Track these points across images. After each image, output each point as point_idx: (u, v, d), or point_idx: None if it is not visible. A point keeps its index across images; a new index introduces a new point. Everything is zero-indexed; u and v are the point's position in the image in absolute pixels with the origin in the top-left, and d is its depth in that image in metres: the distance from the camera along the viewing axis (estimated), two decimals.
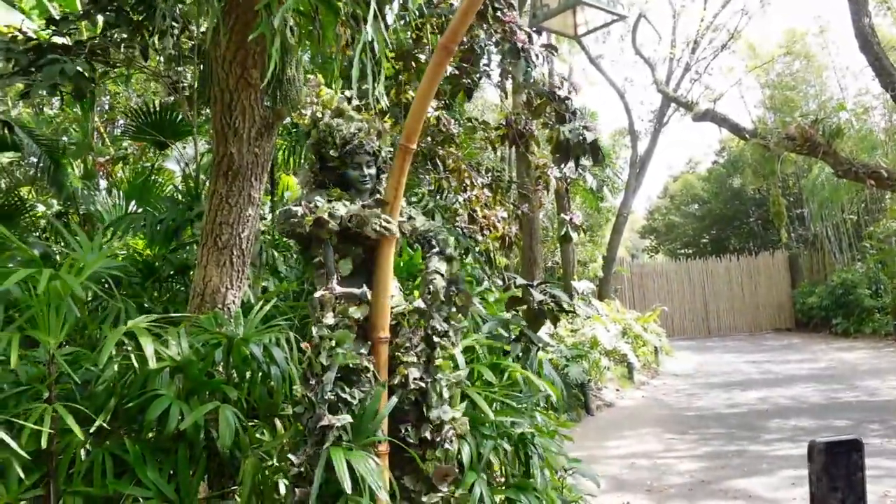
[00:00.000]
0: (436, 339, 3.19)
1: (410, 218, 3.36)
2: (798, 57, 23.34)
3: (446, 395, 3.20)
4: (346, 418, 2.85)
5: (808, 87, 23.56)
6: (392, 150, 3.36)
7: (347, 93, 3.37)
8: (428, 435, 3.10)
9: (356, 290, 3.04)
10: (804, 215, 23.83)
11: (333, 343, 2.92)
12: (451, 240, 3.40)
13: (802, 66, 23.51)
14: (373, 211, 3.11)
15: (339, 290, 3.03)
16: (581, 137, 6.69)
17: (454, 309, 3.27)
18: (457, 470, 3.19)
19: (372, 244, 3.18)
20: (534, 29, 6.14)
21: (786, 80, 23.62)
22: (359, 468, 2.69)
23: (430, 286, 3.24)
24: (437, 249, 3.37)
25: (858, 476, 1.61)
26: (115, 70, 6.80)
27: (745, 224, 28.46)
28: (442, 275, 3.29)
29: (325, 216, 3.02)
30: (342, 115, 3.26)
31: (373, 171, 3.27)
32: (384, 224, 3.08)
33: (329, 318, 2.97)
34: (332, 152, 3.20)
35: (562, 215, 12.08)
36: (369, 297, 3.11)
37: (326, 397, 2.86)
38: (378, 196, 3.24)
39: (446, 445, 3.12)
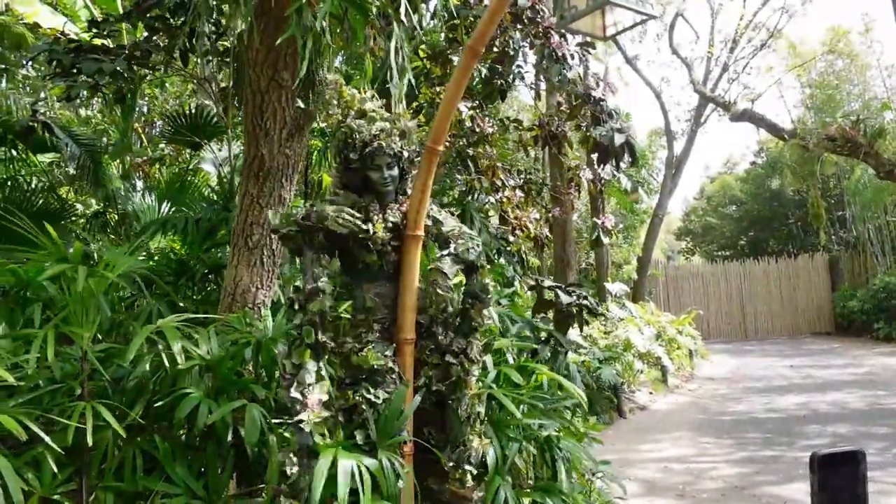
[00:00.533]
0: (449, 358, 3.11)
1: (436, 221, 3.27)
2: (841, 55, 22.77)
3: (467, 414, 3.13)
4: (325, 413, 2.82)
5: (850, 86, 22.99)
6: (418, 149, 3.33)
7: (369, 92, 3.33)
8: (450, 455, 3.07)
9: (319, 284, 2.97)
10: (845, 217, 23.28)
11: (301, 341, 2.90)
12: (478, 247, 3.26)
13: (845, 65, 22.94)
14: (339, 208, 3.07)
15: (308, 286, 2.99)
16: (619, 139, 6.64)
17: (474, 323, 3.19)
18: (476, 494, 3.14)
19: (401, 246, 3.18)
20: (561, 30, 6.12)
21: (828, 79, 23.08)
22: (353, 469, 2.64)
23: (440, 301, 3.13)
24: (450, 251, 3.24)
25: (861, 489, 1.55)
26: (154, 73, 6.93)
27: (783, 226, 27.90)
28: (448, 277, 3.16)
29: (300, 218, 3.05)
30: (364, 116, 3.21)
31: (395, 172, 3.20)
32: (344, 220, 3.03)
33: (298, 318, 2.95)
34: (352, 155, 3.15)
35: (594, 219, 12.00)
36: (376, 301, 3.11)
37: (293, 395, 2.81)
38: (402, 197, 3.22)
39: (466, 467, 3.08)
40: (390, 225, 3.13)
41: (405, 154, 3.24)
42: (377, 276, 3.17)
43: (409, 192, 3.27)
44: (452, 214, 3.50)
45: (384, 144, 3.15)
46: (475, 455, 3.13)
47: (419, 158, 3.28)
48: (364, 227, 3.08)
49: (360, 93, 3.30)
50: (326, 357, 2.97)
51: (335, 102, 3.25)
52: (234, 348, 3.54)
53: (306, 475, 2.71)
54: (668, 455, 7.20)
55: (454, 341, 3.14)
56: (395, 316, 3.15)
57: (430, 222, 3.28)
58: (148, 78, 7.15)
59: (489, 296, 3.27)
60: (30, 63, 8.52)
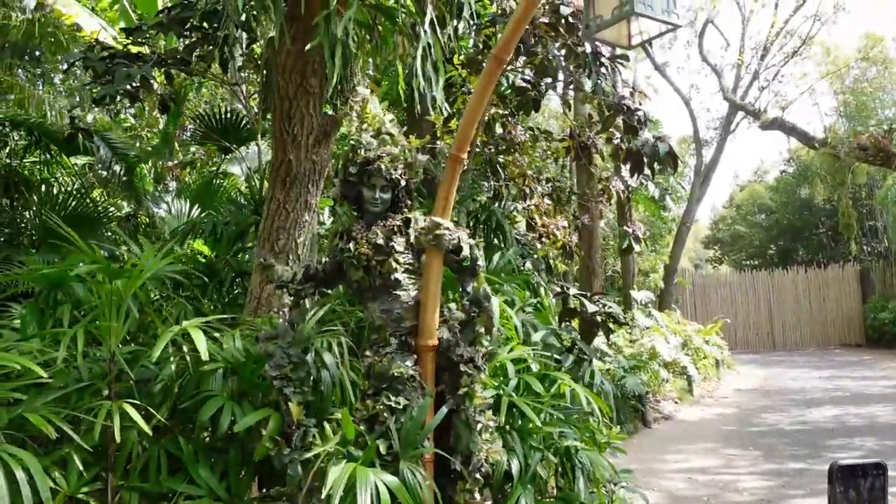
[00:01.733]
0: (462, 367, 3.11)
1: (431, 229, 3.21)
2: (875, 62, 22.35)
3: (476, 424, 3.11)
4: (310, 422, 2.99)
5: (884, 93, 22.54)
6: (418, 182, 3.46)
7: (390, 115, 3.46)
8: (458, 467, 3.04)
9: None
10: (877, 227, 22.82)
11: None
12: (472, 249, 3.24)
13: (879, 72, 22.51)
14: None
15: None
16: (655, 148, 6.58)
17: (482, 330, 3.20)
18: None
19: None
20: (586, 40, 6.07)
21: (861, 86, 22.66)
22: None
23: (451, 317, 3.21)
24: (468, 268, 3.24)
25: (881, 502, 1.51)
26: (192, 79, 7.01)
27: (813, 235, 27.45)
28: (478, 303, 3.22)
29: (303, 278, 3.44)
30: (378, 136, 3.31)
31: (387, 195, 3.30)
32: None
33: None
34: (352, 168, 3.27)
35: (624, 227, 11.91)
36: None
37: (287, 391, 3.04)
38: (393, 219, 3.30)
39: (477, 476, 3.06)
40: (376, 243, 3.21)
41: (402, 182, 3.31)
42: (378, 293, 3.22)
43: (404, 213, 3.35)
44: (457, 223, 3.51)
45: (383, 167, 3.23)
46: (485, 464, 3.10)
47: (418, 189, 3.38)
48: (347, 247, 3.23)
49: (383, 113, 3.40)
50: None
51: (356, 115, 3.33)
52: (259, 351, 3.55)
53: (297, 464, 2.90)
54: (693, 466, 7.10)
55: (462, 348, 3.14)
56: (412, 326, 3.16)
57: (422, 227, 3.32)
58: (185, 83, 7.24)
59: (491, 303, 3.26)
60: (66, 67, 8.69)
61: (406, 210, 3.37)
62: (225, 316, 3.83)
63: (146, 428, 2.85)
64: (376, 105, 3.49)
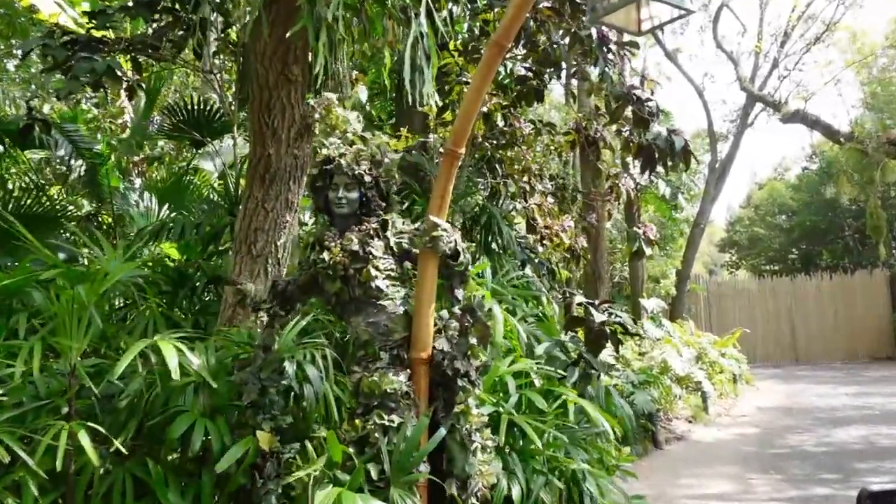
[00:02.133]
0: (459, 382, 3.11)
1: (428, 230, 3.18)
2: None
3: (471, 444, 3.10)
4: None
5: None
6: (390, 179, 3.45)
7: (355, 113, 3.52)
8: (454, 492, 3.04)
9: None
10: None
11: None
12: (464, 248, 3.24)
13: None
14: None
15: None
16: (669, 142, 6.57)
17: (473, 341, 3.19)
18: None
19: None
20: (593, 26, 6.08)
21: (890, 75, 22.80)
22: None
23: (449, 328, 3.19)
24: (459, 273, 3.25)
25: None
26: (160, 65, 6.96)
27: (839, 238, 27.56)
28: (472, 310, 3.22)
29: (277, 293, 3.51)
30: (343, 137, 3.37)
31: (353, 195, 3.31)
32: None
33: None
34: (315, 171, 3.34)
35: (634, 228, 11.89)
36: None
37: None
38: (367, 222, 3.30)
39: (474, 502, 3.05)
40: (351, 250, 3.21)
41: (368, 179, 3.32)
42: (361, 306, 3.23)
43: (380, 216, 3.36)
44: (452, 225, 3.51)
45: (344, 163, 3.27)
46: (483, 489, 3.09)
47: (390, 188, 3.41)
48: (321, 257, 3.24)
49: (347, 111, 3.48)
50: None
51: (322, 121, 3.39)
52: (235, 363, 3.54)
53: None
54: (709, 492, 7.10)
55: (456, 361, 3.12)
56: (403, 337, 3.16)
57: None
58: (153, 69, 7.21)
59: (485, 311, 3.27)
60: (24, 55, 8.64)
61: (381, 212, 3.39)
62: (191, 334, 3.80)
63: (93, 456, 2.81)
64: (363, 93, 3.53)
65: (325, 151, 3.31)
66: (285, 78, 4.38)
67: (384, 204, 3.41)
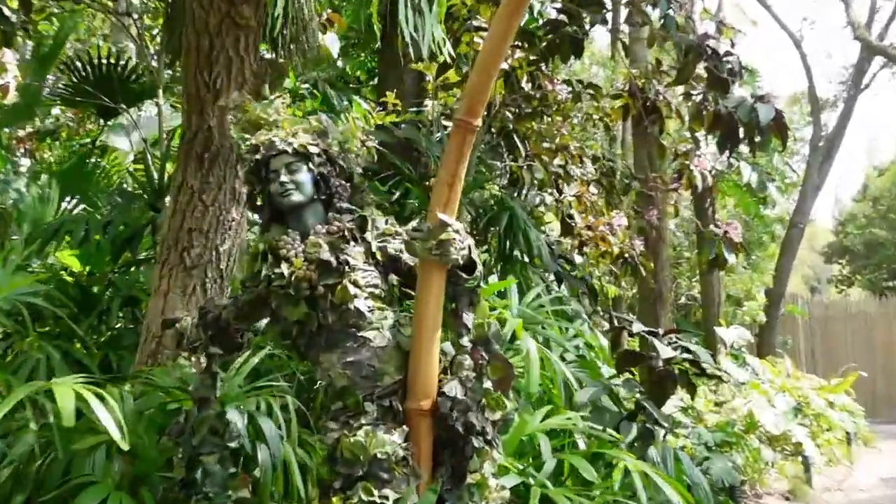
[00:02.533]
0: (475, 441, 3.06)
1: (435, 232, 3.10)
2: None
3: None
4: None
5: None
6: (348, 154, 3.48)
7: (274, 95, 3.66)
8: None
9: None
10: None
11: None
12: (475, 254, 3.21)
13: None
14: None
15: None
16: (755, 112, 6.55)
17: (488, 385, 3.13)
18: None
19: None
20: None
21: None
22: None
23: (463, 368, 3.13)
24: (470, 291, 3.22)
25: None
26: (60, 4, 6.98)
27: None
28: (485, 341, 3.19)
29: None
30: (260, 127, 3.38)
31: (301, 177, 3.30)
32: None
33: None
34: (246, 172, 3.39)
35: (710, 228, 11.81)
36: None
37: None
38: (339, 220, 3.29)
39: None
40: (319, 260, 3.15)
41: (314, 150, 3.33)
42: (335, 339, 3.17)
43: (352, 210, 3.37)
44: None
45: (277, 140, 3.27)
46: None
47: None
48: (277, 271, 3.17)
49: (271, 99, 3.52)
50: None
51: (236, 122, 3.45)
52: (162, 417, 3.54)
53: None
54: None
55: (469, 413, 3.06)
56: (397, 382, 3.13)
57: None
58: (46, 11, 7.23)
59: (500, 344, 3.26)
60: None
61: (348, 203, 3.38)
62: (99, 377, 3.80)
63: None
64: (334, 43, 3.56)
65: (250, 141, 3.32)
66: (232, 21, 4.38)
67: (349, 185, 3.41)
